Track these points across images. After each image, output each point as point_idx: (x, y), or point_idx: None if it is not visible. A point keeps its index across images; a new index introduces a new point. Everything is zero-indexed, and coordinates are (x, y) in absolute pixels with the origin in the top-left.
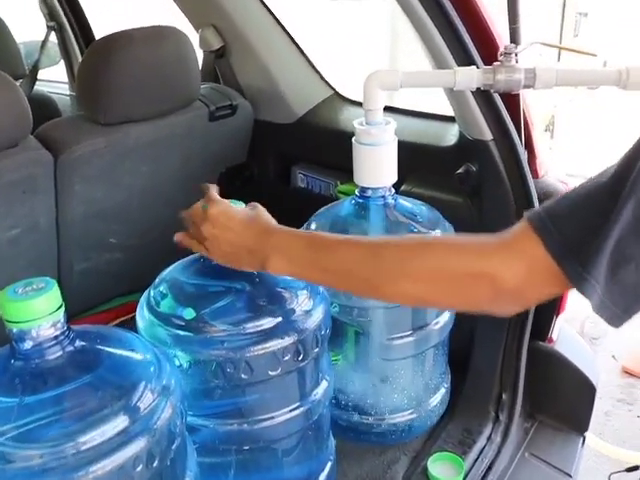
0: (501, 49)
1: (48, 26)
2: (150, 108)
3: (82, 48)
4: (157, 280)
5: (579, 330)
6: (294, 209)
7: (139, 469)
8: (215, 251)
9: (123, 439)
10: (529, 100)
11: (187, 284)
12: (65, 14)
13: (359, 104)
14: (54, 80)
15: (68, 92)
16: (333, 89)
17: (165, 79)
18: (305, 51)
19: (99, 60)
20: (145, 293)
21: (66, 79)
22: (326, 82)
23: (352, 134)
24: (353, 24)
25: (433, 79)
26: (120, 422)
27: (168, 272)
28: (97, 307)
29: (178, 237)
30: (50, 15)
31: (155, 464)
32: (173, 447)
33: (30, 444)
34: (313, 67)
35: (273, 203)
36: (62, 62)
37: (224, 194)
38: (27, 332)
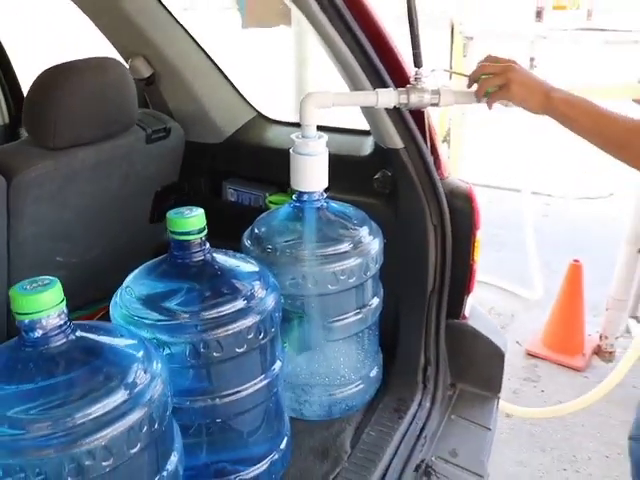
0: (412, 74)
1: None
2: (95, 133)
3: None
4: (126, 282)
5: None
6: (227, 221)
7: (145, 430)
8: (512, 90)
9: (130, 406)
10: (432, 113)
11: (155, 285)
12: None
13: (281, 123)
14: None
15: None
16: (256, 111)
17: (108, 106)
18: (229, 76)
19: (47, 89)
20: (118, 291)
21: None
22: (249, 104)
23: (277, 150)
24: (261, 52)
25: (359, 99)
26: (123, 394)
27: (137, 274)
28: None
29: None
30: None
31: (156, 427)
32: (167, 414)
33: (53, 416)
34: (237, 91)
35: (207, 216)
36: None
37: (160, 210)
38: (37, 322)
